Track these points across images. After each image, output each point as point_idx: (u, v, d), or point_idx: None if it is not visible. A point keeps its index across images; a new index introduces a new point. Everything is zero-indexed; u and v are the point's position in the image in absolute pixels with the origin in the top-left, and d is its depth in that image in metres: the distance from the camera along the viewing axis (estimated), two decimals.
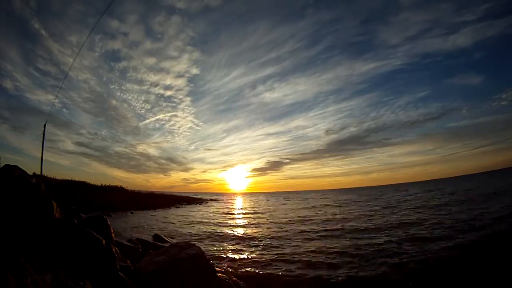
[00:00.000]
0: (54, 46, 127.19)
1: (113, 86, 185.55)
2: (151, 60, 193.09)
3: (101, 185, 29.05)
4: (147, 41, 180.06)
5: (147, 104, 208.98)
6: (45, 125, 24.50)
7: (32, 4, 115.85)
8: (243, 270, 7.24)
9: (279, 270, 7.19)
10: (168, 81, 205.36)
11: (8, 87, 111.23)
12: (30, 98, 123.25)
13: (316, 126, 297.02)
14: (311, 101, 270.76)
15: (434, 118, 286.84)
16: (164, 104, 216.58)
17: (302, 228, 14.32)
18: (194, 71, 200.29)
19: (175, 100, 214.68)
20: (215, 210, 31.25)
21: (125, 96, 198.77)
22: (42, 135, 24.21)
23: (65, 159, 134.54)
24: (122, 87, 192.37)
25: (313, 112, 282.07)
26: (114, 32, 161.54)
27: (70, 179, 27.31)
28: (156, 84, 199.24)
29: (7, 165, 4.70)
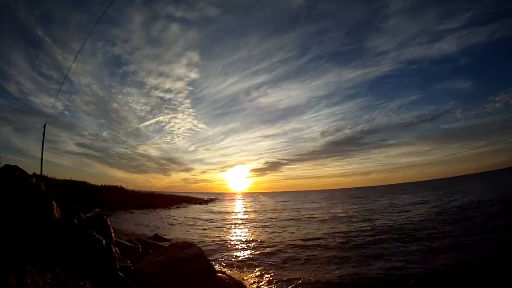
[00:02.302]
0: (57, 52, 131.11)
1: (114, 90, 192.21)
2: (151, 65, 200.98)
3: (101, 185, 28.98)
4: (147, 46, 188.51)
5: (147, 107, 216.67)
6: (45, 125, 24.41)
7: (36, 13, 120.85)
8: (242, 269, 7.24)
9: (278, 268, 7.19)
10: (167, 85, 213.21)
11: (12, 91, 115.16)
12: (33, 101, 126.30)
13: (311, 128, 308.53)
14: (304, 105, 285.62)
15: (428, 120, 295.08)
16: (164, 106, 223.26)
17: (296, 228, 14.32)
18: (193, 75, 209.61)
19: (175, 102, 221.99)
20: (215, 209, 31.24)
21: (126, 99, 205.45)
22: (42, 135, 24.15)
23: (67, 160, 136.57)
24: (123, 90, 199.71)
25: (307, 116, 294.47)
26: (115, 39, 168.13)
27: (70, 179, 27.29)
28: (156, 88, 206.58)
29: (7, 165, 4.69)
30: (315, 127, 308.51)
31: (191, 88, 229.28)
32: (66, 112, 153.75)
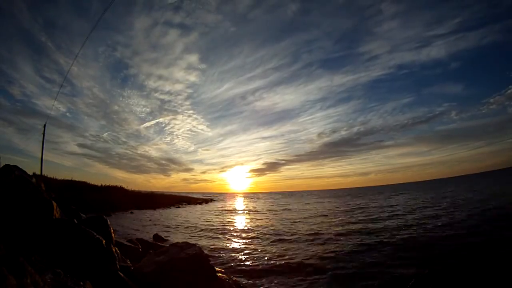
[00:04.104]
0: (60, 57, 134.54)
1: (115, 93, 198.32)
2: (150, 68, 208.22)
3: (101, 185, 28.92)
4: (147, 51, 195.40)
5: (147, 109, 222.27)
6: (45, 125, 24.45)
7: (40, 20, 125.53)
8: (242, 269, 7.24)
9: (276, 267, 7.19)
10: (167, 87, 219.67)
11: (15, 93, 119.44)
12: (36, 103, 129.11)
13: (307, 130, 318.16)
14: (299, 108, 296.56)
15: (423, 122, 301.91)
16: (163, 108, 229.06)
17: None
18: (192, 78, 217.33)
19: (174, 104, 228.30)
20: (215, 209, 31.26)
21: (126, 101, 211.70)
22: (42, 135, 24.18)
23: (68, 160, 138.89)
24: (124, 93, 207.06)
25: (302, 118, 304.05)
26: (115, 44, 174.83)
27: (70, 179, 27.25)
28: (156, 90, 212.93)
29: (7, 165, 4.69)
30: (311, 128, 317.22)
31: (190, 91, 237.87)
32: (68, 114, 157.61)
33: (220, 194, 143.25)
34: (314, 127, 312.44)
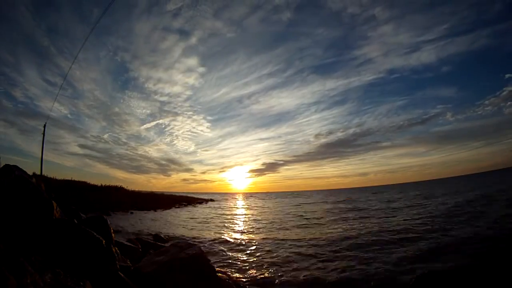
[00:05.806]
0: (62, 61, 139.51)
1: (115, 95, 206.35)
2: (150, 71, 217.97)
3: (101, 185, 28.86)
4: (146, 54, 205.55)
5: (147, 110, 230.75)
6: (45, 125, 24.48)
7: (43, 26, 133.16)
8: (242, 269, 7.24)
9: (279, 268, 7.19)
10: (167, 90, 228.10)
11: (18, 95, 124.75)
12: (38, 105, 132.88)
13: (303, 132, 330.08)
14: (295, 111, 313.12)
15: (419, 123, 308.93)
16: (163, 109, 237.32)
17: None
18: (191, 81, 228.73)
19: (174, 106, 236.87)
20: (214, 209, 31.27)
21: (127, 103, 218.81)
22: (42, 135, 24.21)
23: (70, 161, 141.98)
24: (124, 95, 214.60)
25: (298, 120, 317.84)
26: (115, 49, 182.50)
27: (70, 179, 27.21)
28: (156, 92, 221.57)
29: (7, 165, 4.68)
30: (307, 130, 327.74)
31: (190, 93, 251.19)
32: (69, 115, 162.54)
33: (220, 194, 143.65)
34: (311, 128, 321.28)
